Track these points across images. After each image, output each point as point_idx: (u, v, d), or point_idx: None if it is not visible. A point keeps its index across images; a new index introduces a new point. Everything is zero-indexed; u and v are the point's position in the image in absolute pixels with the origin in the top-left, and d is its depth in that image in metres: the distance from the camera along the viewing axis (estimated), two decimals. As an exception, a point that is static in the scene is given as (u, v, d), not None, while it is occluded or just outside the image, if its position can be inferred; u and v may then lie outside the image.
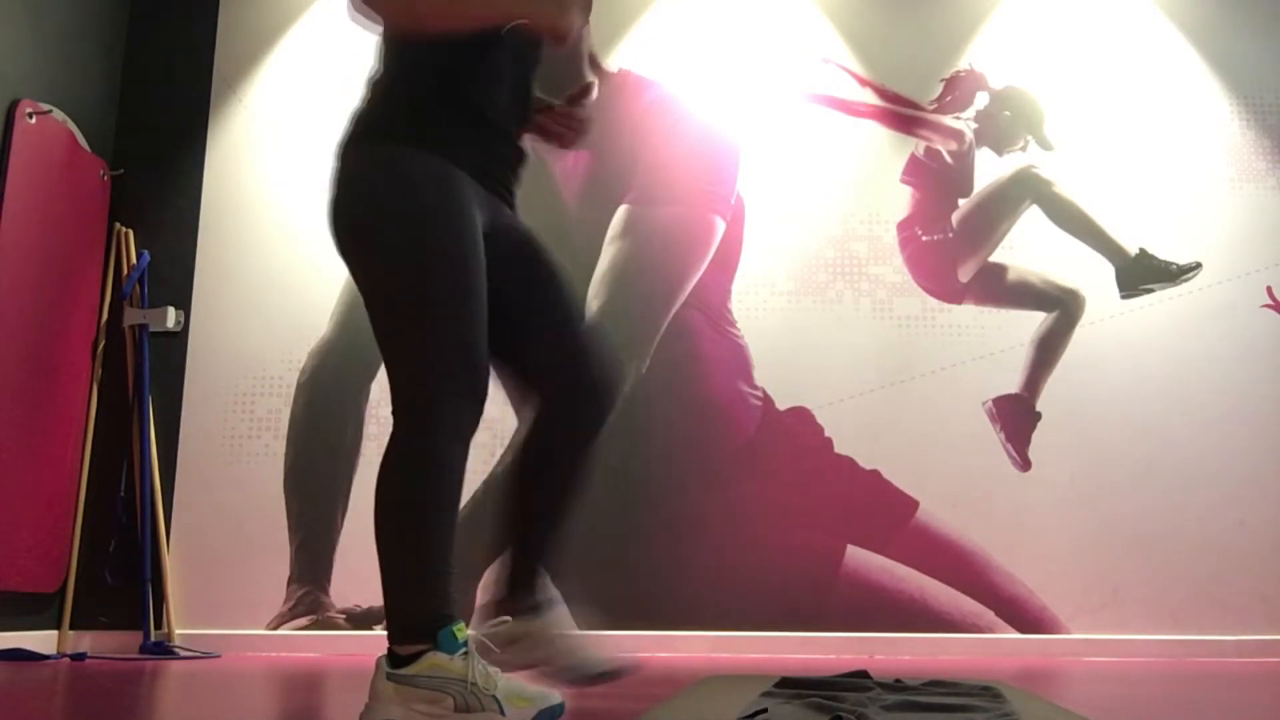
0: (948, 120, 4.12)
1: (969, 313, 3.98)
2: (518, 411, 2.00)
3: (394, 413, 1.69)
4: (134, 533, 3.78)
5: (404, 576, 1.65)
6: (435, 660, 1.58)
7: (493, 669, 1.62)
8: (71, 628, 3.64)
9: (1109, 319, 3.95)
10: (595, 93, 2.00)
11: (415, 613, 1.63)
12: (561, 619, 1.91)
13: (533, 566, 1.91)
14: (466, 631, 1.63)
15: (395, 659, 1.61)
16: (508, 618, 1.88)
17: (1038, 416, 3.87)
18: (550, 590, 1.93)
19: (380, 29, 1.89)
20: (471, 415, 1.70)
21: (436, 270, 1.69)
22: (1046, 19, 4.23)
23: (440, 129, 1.77)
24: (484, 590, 3.16)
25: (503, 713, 1.56)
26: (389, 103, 1.82)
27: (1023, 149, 4.10)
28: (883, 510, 3.79)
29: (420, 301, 1.68)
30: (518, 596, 1.88)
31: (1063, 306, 3.97)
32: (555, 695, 1.63)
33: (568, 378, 1.84)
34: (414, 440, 1.67)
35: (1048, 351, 3.93)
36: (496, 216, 1.85)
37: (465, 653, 1.59)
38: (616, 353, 1.91)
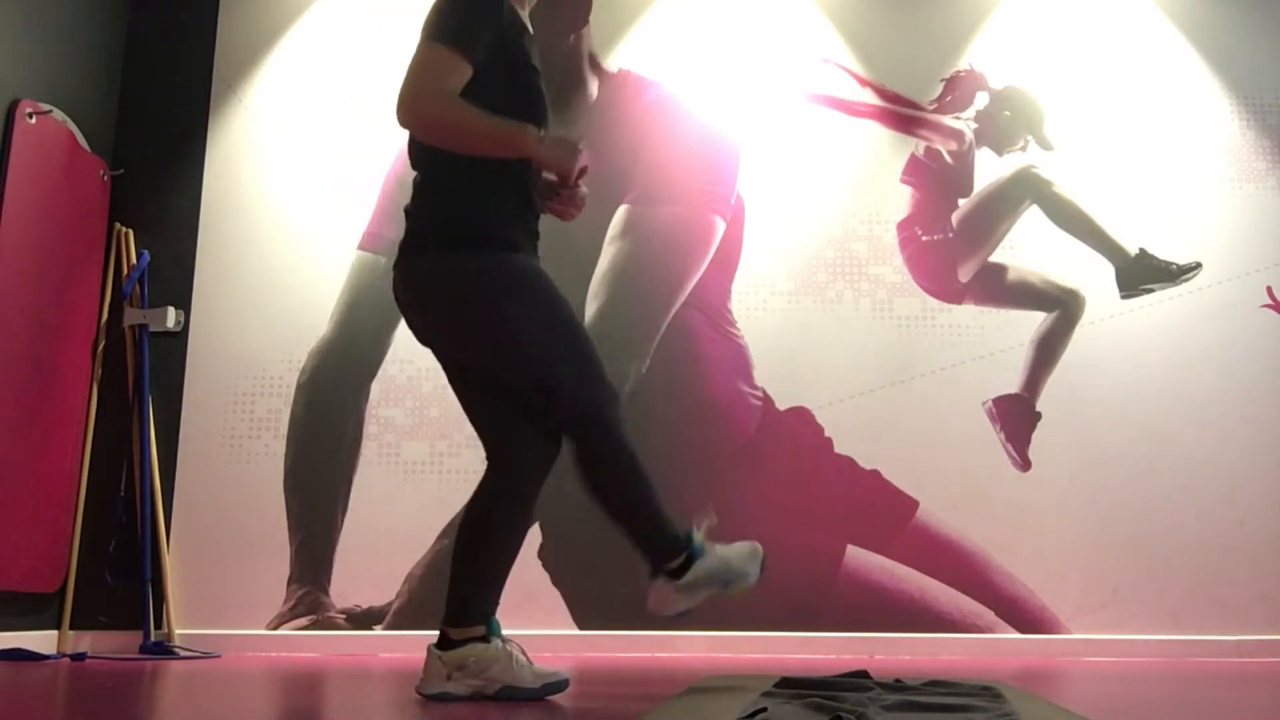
0: (948, 120, 4.12)
1: (969, 313, 3.97)
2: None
3: (572, 422, 2.07)
4: (134, 533, 3.77)
5: (645, 518, 2.13)
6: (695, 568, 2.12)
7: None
8: (71, 628, 3.64)
9: (1109, 319, 3.95)
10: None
11: (663, 542, 2.12)
12: (501, 646, 2.10)
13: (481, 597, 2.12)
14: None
15: (664, 560, 2.12)
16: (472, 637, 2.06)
17: (1038, 416, 3.87)
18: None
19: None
20: (615, 405, 2.10)
21: (551, 308, 2.08)
22: (1046, 19, 4.23)
23: (491, 227, 2.08)
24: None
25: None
26: (435, 214, 2.11)
27: (1023, 149, 4.10)
28: (883, 510, 3.79)
29: (533, 342, 2.06)
30: (465, 624, 2.05)
31: (1063, 306, 3.97)
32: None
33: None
34: (594, 437, 2.07)
35: (1048, 351, 3.93)
36: None
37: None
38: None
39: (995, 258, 4.02)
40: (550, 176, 2.19)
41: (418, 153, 2.14)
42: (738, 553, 2.17)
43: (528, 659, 2.10)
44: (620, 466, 2.12)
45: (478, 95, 2.00)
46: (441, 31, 2.00)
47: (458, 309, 2.08)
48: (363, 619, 3.72)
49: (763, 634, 3.65)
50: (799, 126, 4.12)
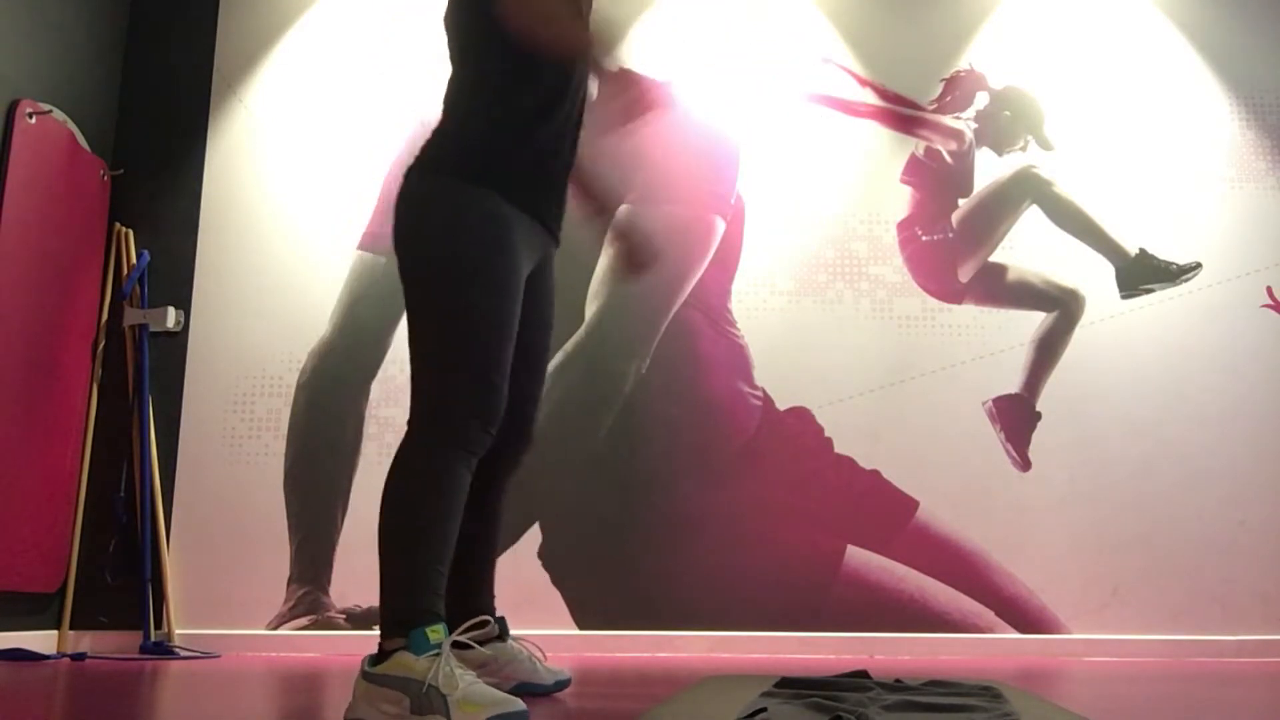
0: (948, 120, 4.12)
1: (969, 313, 3.98)
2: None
3: (409, 421, 1.80)
4: (134, 532, 3.78)
5: (392, 575, 1.73)
6: (403, 660, 1.63)
7: (465, 673, 1.62)
8: (71, 628, 3.64)
9: (1109, 319, 3.95)
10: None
11: (397, 610, 1.70)
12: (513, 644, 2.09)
13: (489, 594, 2.10)
14: (443, 634, 1.65)
15: (374, 657, 1.68)
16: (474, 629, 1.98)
17: (1038, 416, 3.87)
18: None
19: (449, 73, 2.03)
20: (480, 433, 1.81)
21: (474, 298, 1.83)
22: (1046, 19, 4.23)
23: (501, 168, 1.90)
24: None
25: (448, 717, 1.55)
26: (455, 138, 1.94)
27: (1023, 149, 4.10)
28: (883, 510, 3.79)
29: (453, 324, 1.82)
30: (482, 623, 1.98)
31: (1063, 306, 3.97)
32: (517, 703, 1.61)
33: (513, 423, 2.04)
34: (420, 448, 1.78)
35: (1048, 351, 3.93)
36: (544, 261, 2.08)
37: (435, 654, 1.62)
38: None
39: (995, 258, 4.02)
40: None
41: (452, 66, 2.01)
42: (474, 695, 1.58)
43: (543, 656, 2.12)
44: (422, 500, 1.74)
45: None
46: None
47: (414, 232, 1.88)
48: (363, 619, 3.72)
49: (763, 634, 3.65)
50: (799, 126, 4.12)
